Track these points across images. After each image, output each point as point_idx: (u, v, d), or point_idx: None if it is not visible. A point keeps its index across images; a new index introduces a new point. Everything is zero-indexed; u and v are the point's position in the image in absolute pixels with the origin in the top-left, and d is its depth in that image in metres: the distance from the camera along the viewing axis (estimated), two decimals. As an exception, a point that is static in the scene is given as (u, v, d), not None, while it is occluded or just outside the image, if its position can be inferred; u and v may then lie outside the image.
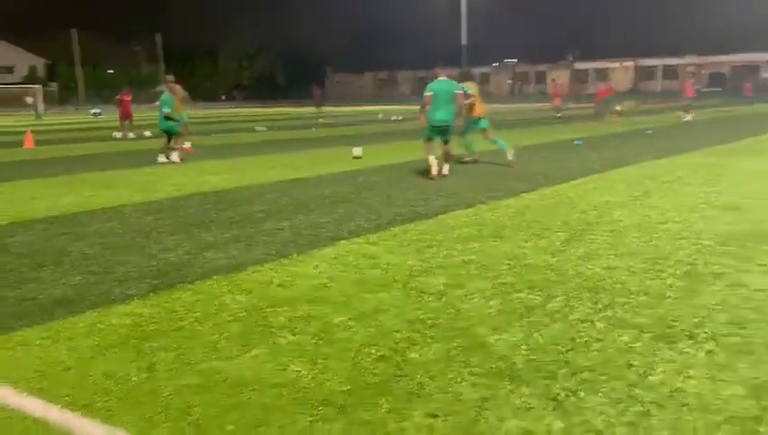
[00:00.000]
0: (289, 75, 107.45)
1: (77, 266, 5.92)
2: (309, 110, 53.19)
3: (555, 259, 5.85)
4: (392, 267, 5.70)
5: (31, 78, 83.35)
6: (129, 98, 25.30)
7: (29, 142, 21.02)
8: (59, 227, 7.78)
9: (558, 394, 3.28)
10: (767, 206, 8.03)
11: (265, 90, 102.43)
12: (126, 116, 25.10)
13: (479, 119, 13.24)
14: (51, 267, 5.91)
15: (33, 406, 3.28)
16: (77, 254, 6.40)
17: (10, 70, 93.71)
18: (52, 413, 3.20)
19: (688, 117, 27.97)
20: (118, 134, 25.06)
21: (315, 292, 5.06)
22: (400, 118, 35.45)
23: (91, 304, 4.85)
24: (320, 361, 3.76)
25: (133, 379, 3.58)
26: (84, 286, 5.30)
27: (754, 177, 10.58)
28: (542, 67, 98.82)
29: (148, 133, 24.91)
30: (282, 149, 18.18)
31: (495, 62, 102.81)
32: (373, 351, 3.89)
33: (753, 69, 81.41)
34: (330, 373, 3.59)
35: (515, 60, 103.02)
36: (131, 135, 24.74)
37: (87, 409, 3.24)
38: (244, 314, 4.60)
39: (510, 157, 12.69)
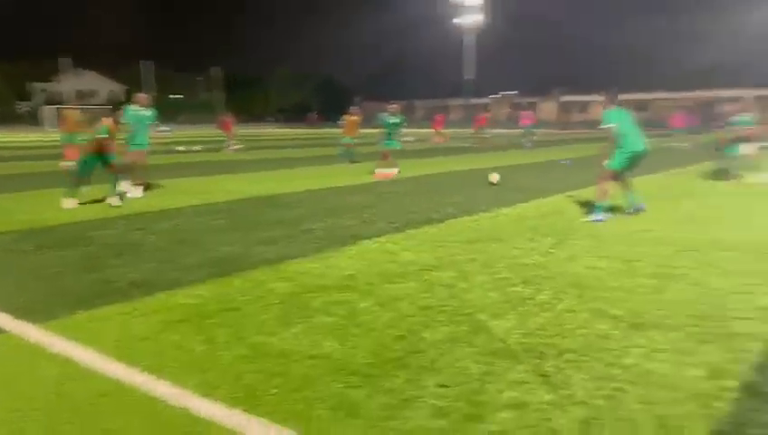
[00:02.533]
0: (323, 102, 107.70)
1: (149, 256, 6.00)
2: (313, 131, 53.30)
3: (545, 259, 5.83)
4: (408, 263, 5.72)
5: (111, 101, 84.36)
6: (231, 119, 26.04)
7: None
8: (136, 223, 7.89)
9: (547, 371, 3.29)
10: (720, 217, 7.93)
11: (302, 115, 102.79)
12: (230, 133, 26.09)
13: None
14: (129, 257, 6.00)
15: (115, 369, 3.34)
16: (150, 246, 6.49)
17: (94, 94, 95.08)
18: (131, 376, 3.26)
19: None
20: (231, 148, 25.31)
21: (345, 281, 5.09)
22: (412, 140, 34.85)
23: (161, 286, 4.92)
24: (349, 338, 3.79)
25: (196, 349, 3.63)
26: (156, 272, 5.38)
27: (720, 195, 10.46)
28: (533, 99, 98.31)
29: (197, 148, 25.13)
30: (314, 163, 18.25)
31: (495, 94, 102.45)
32: (393, 331, 3.92)
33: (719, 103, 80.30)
34: (358, 349, 3.61)
35: (515, 91, 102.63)
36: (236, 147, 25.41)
37: (160, 373, 3.29)
38: (287, 298, 4.64)
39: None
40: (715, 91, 78.73)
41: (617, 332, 3.88)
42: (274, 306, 4.43)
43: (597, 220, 7.83)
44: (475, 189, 11.41)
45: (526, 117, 29.39)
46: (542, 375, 3.24)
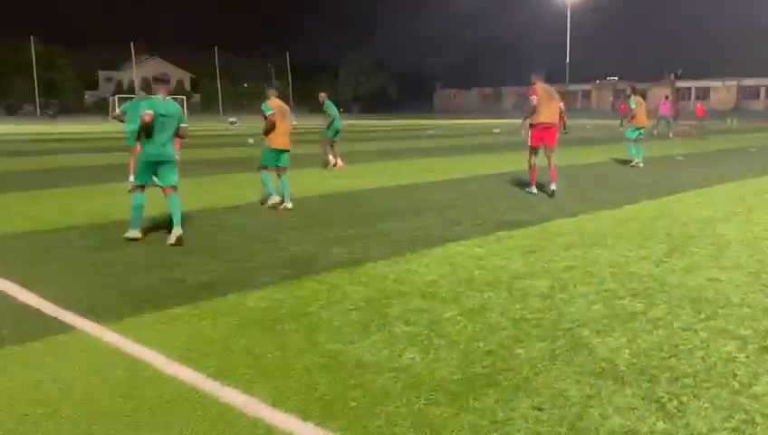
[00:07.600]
0: (401, 90, 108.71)
1: (220, 254, 6.24)
2: (413, 122, 53.17)
3: (658, 269, 5.60)
4: (498, 269, 5.65)
5: (178, 90, 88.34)
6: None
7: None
8: (207, 220, 8.23)
9: (661, 397, 3.16)
10: None
11: (380, 103, 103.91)
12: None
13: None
14: (199, 255, 6.26)
15: (184, 373, 3.50)
16: (220, 243, 6.76)
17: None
18: (200, 381, 3.41)
19: None
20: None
21: (426, 288, 5.09)
22: (497, 131, 35.09)
23: (232, 287, 5.10)
24: (432, 350, 3.79)
25: (268, 356, 3.74)
26: (226, 272, 5.59)
27: None
28: (642, 85, 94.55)
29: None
30: (393, 157, 18.36)
31: (597, 79, 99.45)
32: (481, 345, 3.88)
33: None
34: (441, 362, 3.61)
35: (616, 78, 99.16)
36: None
37: (229, 379, 3.42)
38: (363, 303, 4.70)
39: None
40: None
41: (743, 355, 3.67)
42: (350, 312, 4.50)
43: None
44: (566, 187, 11.11)
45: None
46: (655, 401, 3.11)
